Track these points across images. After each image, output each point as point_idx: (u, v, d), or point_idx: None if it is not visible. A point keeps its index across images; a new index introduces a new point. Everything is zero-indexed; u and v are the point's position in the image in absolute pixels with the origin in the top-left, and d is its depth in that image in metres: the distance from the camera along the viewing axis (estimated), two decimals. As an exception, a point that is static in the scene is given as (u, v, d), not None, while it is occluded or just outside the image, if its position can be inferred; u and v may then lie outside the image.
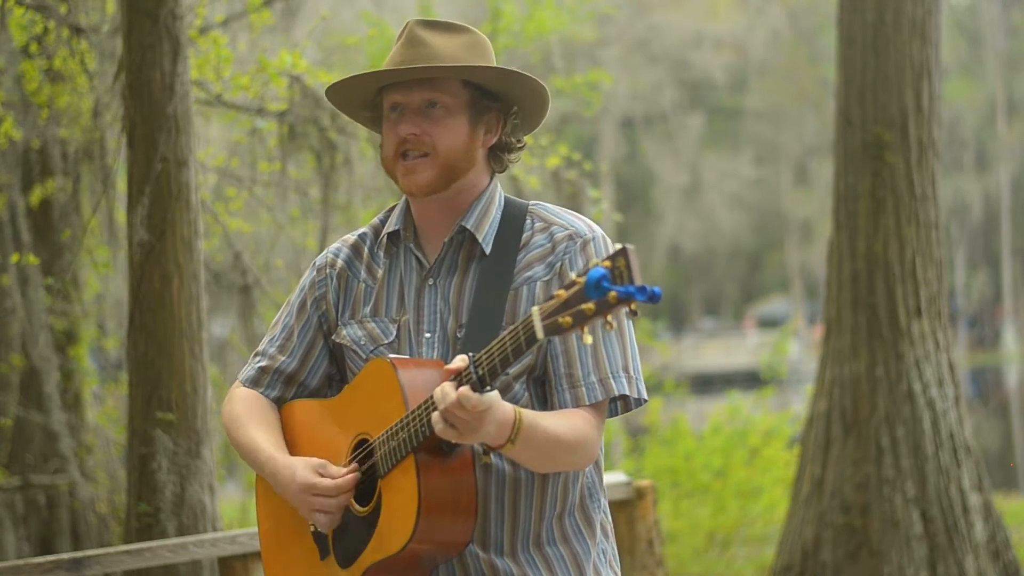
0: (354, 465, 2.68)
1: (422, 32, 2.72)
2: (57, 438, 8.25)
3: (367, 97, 2.81)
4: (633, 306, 2.25)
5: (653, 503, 5.99)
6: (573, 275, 2.33)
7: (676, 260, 40.77)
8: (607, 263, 2.27)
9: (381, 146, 2.80)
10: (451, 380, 2.46)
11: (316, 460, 2.70)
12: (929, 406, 7.63)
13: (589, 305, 2.27)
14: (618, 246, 2.28)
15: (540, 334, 2.34)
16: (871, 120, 7.80)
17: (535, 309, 2.35)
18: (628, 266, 2.25)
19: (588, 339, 2.29)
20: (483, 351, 2.45)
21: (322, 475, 2.67)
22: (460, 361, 2.47)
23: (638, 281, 2.24)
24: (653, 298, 2.23)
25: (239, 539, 4.92)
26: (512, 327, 2.41)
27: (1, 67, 6.89)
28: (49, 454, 8.60)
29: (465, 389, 2.41)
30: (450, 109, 2.71)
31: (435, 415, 2.45)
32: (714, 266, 43.43)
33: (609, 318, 2.28)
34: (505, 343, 2.42)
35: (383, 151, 2.77)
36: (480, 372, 2.44)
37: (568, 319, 2.29)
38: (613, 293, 2.24)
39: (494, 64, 2.76)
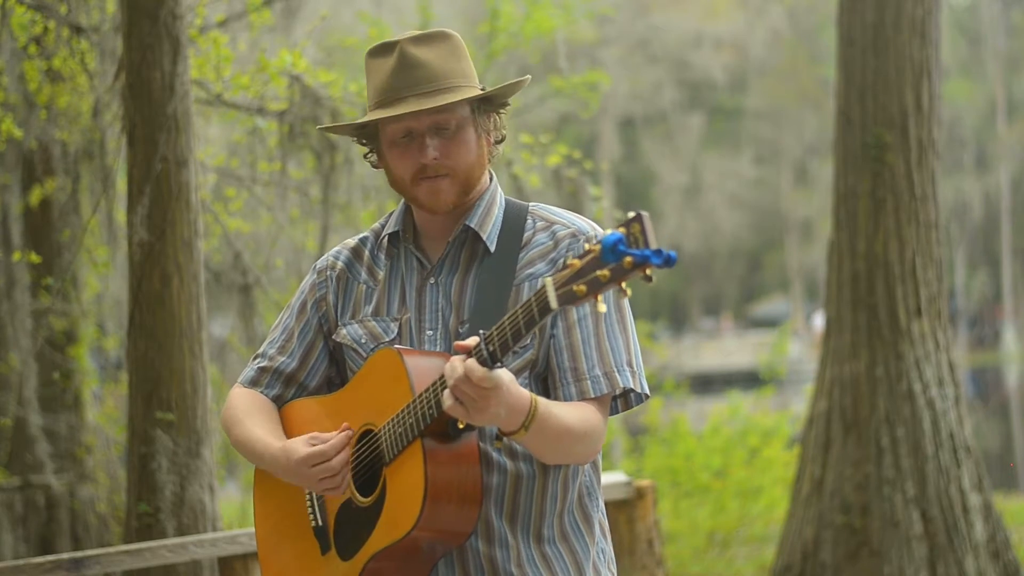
0: (344, 426, 2.70)
1: (413, 51, 2.74)
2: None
3: (360, 125, 2.84)
4: (648, 271, 2.24)
5: (653, 503, 5.99)
6: (586, 245, 2.32)
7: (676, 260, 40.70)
8: (622, 229, 2.26)
9: (389, 169, 2.80)
10: (461, 356, 2.47)
11: (306, 435, 2.72)
12: (929, 406, 7.63)
13: (604, 272, 2.26)
14: (632, 213, 2.27)
15: (554, 303, 2.33)
16: (871, 120, 7.80)
17: (548, 279, 2.35)
18: (643, 231, 2.24)
19: (602, 307, 2.28)
20: (494, 327, 2.45)
21: (315, 444, 2.69)
22: (471, 339, 2.48)
23: (653, 245, 2.23)
24: (669, 262, 2.21)
25: (239, 539, 4.92)
26: (524, 301, 2.41)
27: (1, 67, 6.89)
28: (50, 453, 8.59)
29: (472, 362, 2.42)
30: (461, 126, 2.75)
31: (446, 392, 2.46)
32: (714, 266, 43.44)
33: (624, 285, 2.27)
34: (517, 316, 2.41)
35: (395, 174, 2.78)
36: (491, 348, 2.44)
37: (583, 287, 2.29)
38: (629, 258, 2.23)
39: (471, 63, 2.82)
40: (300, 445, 2.70)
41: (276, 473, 2.80)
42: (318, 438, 2.70)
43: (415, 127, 2.73)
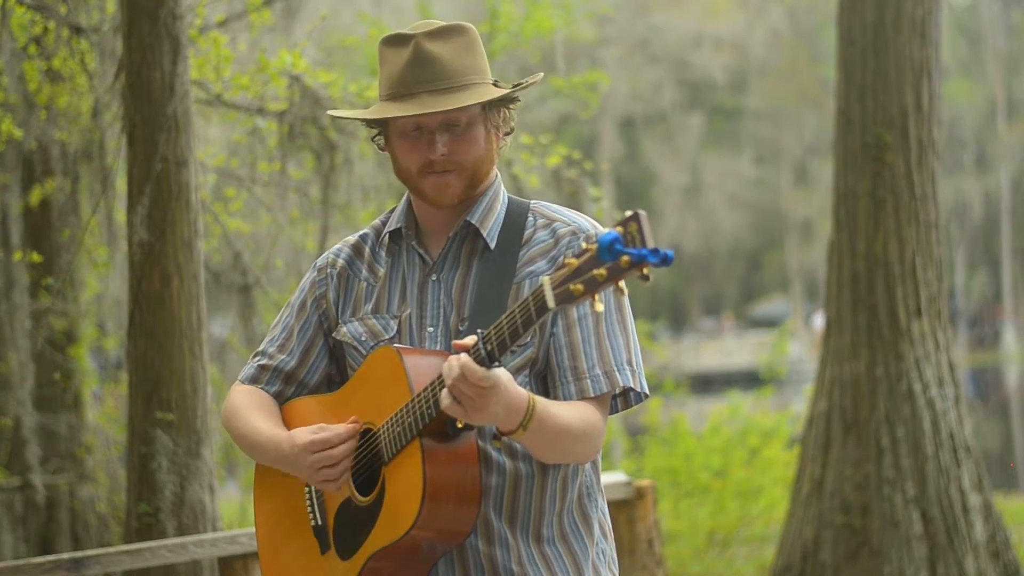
0: (352, 419, 2.69)
1: (428, 45, 2.74)
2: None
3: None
4: (646, 270, 2.24)
5: (653, 503, 5.99)
6: (583, 244, 2.32)
7: (676, 260, 40.71)
8: (619, 228, 2.26)
9: (395, 158, 2.80)
10: (459, 355, 2.46)
11: (313, 425, 2.71)
12: (929, 406, 7.63)
13: (601, 271, 2.26)
14: (629, 212, 2.27)
15: (551, 303, 2.33)
16: (871, 120, 7.80)
17: (545, 278, 2.34)
18: (640, 230, 2.24)
19: (599, 307, 2.28)
20: (492, 326, 2.46)
21: (319, 432, 2.68)
22: (469, 339, 2.48)
23: (650, 244, 2.23)
24: (666, 261, 2.21)
25: (239, 539, 4.92)
26: (522, 300, 2.41)
27: (1, 68, 6.88)
28: (49, 454, 8.59)
29: (469, 362, 2.42)
30: (471, 123, 2.75)
31: (444, 391, 2.46)
32: (714, 266, 43.44)
33: (620, 284, 2.27)
34: (514, 315, 2.41)
35: (402, 164, 2.78)
36: (489, 347, 2.44)
37: (580, 286, 2.29)
38: (626, 257, 2.23)
39: (484, 56, 2.82)
40: (304, 433, 2.70)
41: (276, 463, 2.79)
42: (324, 428, 2.69)
43: (425, 122, 2.74)
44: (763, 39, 36.57)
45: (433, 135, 2.73)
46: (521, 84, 2.80)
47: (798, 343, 34.74)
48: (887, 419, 7.61)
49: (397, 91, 2.74)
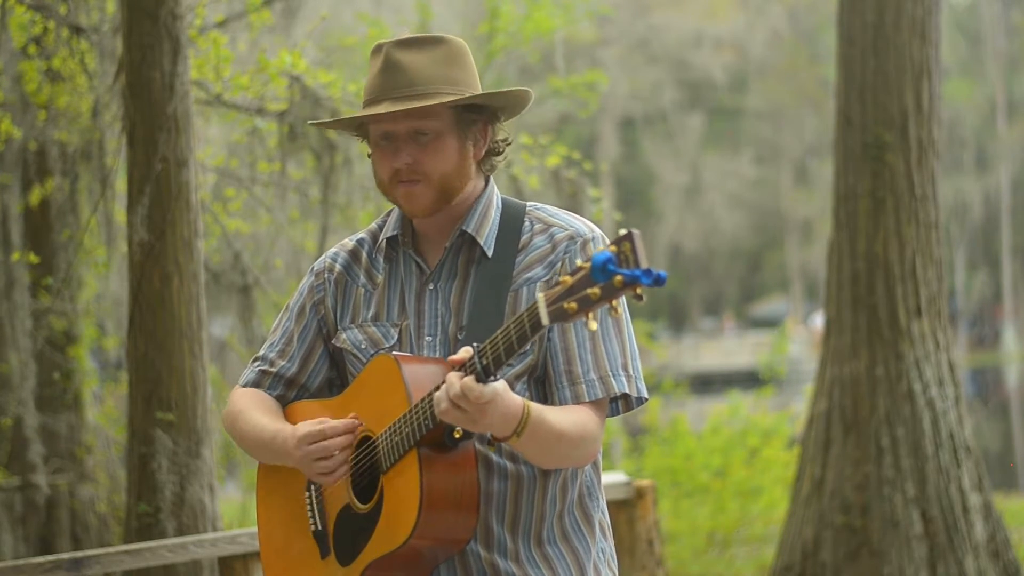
0: (352, 415, 2.70)
1: (398, 54, 2.74)
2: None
3: (354, 123, 2.86)
4: (639, 290, 2.25)
5: (653, 503, 6.00)
6: (579, 262, 2.33)
7: (676, 260, 40.76)
8: (613, 247, 2.27)
9: (374, 168, 2.81)
10: (456, 370, 2.47)
11: (317, 419, 2.73)
12: (929, 406, 7.63)
13: (595, 290, 2.27)
14: (623, 231, 2.28)
15: (545, 320, 2.35)
16: (871, 120, 7.80)
17: (540, 295, 2.36)
18: (634, 250, 2.25)
19: (593, 325, 2.29)
20: (487, 341, 2.47)
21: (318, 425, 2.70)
22: (464, 352, 2.48)
23: (644, 265, 2.24)
24: (658, 281, 2.22)
25: (239, 539, 4.92)
26: (517, 315, 2.43)
27: (0, 68, 6.88)
28: (50, 454, 8.59)
29: (469, 379, 2.43)
30: (439, 133, 2.73)
31: (439, 396, 2.47)
32: (714, 266, 43.44)
33: (614, 303, 2.28)
34: (509, 331, 2.43)
35: (377, 175, 2.79)
36: (484, 362, 2.45)
37: (573, 304, 2.30)
38: (619, 277, 2.24)
39: (474, 72, 2.81)
40: (305, 424, 2.71)
41: (277, 457, 2.79)
42: (324, 421, 2.70)
43: (393, 131, 2.74)
44: (763, 39, 36.59)
45: (399, 143, 2.73)
46: (495, 92, 2.78)
47: (798, 343, 34.74)
48: (887, 419, 7.61)
49: (366, 98, 2.77)
